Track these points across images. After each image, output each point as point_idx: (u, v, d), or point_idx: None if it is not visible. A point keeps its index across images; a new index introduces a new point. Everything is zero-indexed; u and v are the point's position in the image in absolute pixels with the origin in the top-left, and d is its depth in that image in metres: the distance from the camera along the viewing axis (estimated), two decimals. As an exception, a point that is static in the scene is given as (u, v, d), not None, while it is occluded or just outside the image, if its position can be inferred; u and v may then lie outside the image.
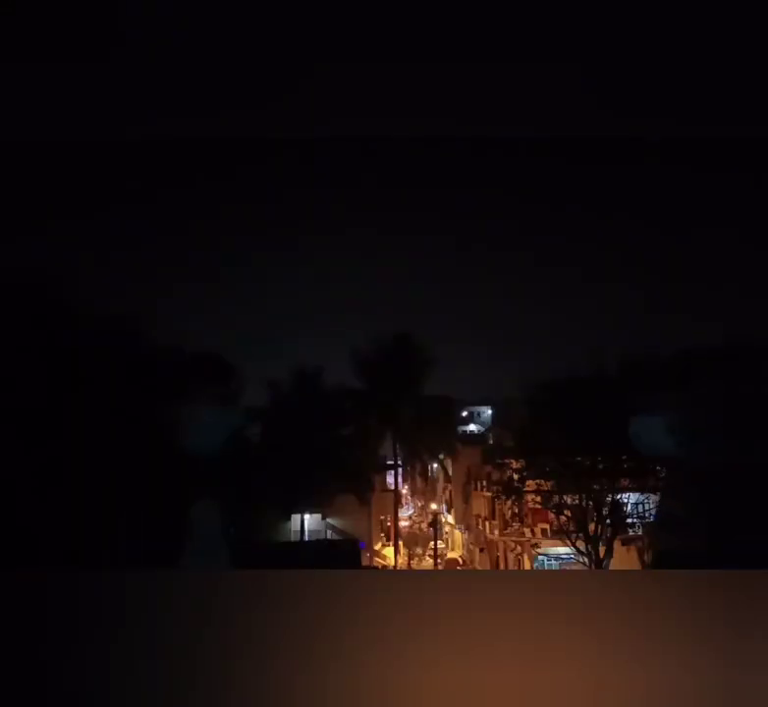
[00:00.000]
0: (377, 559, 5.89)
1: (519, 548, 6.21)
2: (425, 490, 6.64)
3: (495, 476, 6.07)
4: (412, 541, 6.24)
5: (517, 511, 5.82)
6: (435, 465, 6.66)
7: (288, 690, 1.70)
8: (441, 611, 1.73)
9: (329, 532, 5.82)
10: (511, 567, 5.91)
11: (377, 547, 5.97)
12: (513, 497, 5.84)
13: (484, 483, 6.18)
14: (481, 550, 5.99)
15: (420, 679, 1.70)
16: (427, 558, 6.13)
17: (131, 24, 2.02)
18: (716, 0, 1.95)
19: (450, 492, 6.51)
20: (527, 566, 6.03)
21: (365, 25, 2.07)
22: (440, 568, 5.92)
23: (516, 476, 5.85)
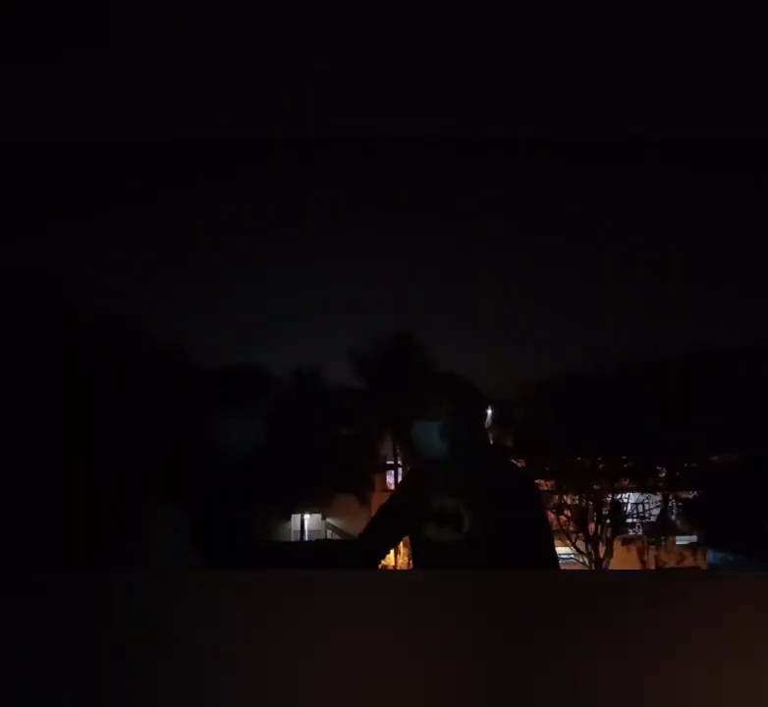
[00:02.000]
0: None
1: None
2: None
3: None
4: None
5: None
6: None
7: (287, 691, 1.70)
8: (441, 610, 1.73)
9: (329, 532, 5.81)
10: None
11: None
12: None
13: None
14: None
15: (423, 678, 1.70)
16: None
17: (131, 23, 2.03)
18: (716, 0, 1.95)
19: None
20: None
21: (365, 25, 2.07)
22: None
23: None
